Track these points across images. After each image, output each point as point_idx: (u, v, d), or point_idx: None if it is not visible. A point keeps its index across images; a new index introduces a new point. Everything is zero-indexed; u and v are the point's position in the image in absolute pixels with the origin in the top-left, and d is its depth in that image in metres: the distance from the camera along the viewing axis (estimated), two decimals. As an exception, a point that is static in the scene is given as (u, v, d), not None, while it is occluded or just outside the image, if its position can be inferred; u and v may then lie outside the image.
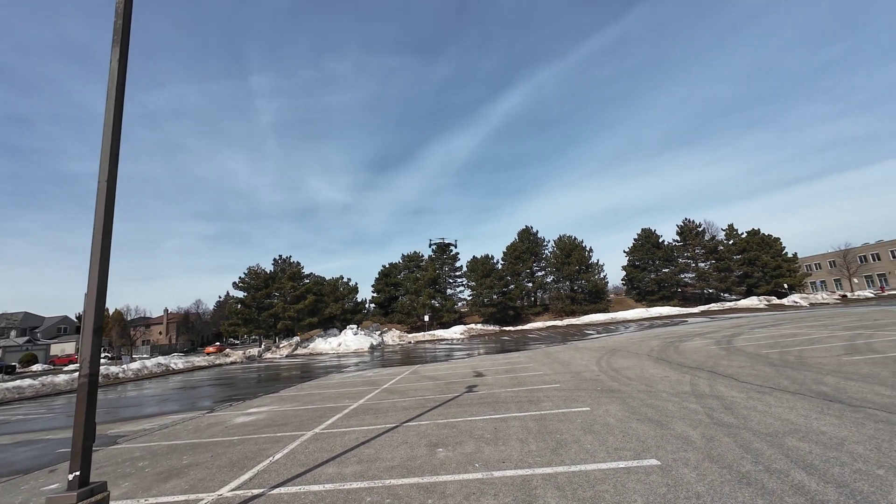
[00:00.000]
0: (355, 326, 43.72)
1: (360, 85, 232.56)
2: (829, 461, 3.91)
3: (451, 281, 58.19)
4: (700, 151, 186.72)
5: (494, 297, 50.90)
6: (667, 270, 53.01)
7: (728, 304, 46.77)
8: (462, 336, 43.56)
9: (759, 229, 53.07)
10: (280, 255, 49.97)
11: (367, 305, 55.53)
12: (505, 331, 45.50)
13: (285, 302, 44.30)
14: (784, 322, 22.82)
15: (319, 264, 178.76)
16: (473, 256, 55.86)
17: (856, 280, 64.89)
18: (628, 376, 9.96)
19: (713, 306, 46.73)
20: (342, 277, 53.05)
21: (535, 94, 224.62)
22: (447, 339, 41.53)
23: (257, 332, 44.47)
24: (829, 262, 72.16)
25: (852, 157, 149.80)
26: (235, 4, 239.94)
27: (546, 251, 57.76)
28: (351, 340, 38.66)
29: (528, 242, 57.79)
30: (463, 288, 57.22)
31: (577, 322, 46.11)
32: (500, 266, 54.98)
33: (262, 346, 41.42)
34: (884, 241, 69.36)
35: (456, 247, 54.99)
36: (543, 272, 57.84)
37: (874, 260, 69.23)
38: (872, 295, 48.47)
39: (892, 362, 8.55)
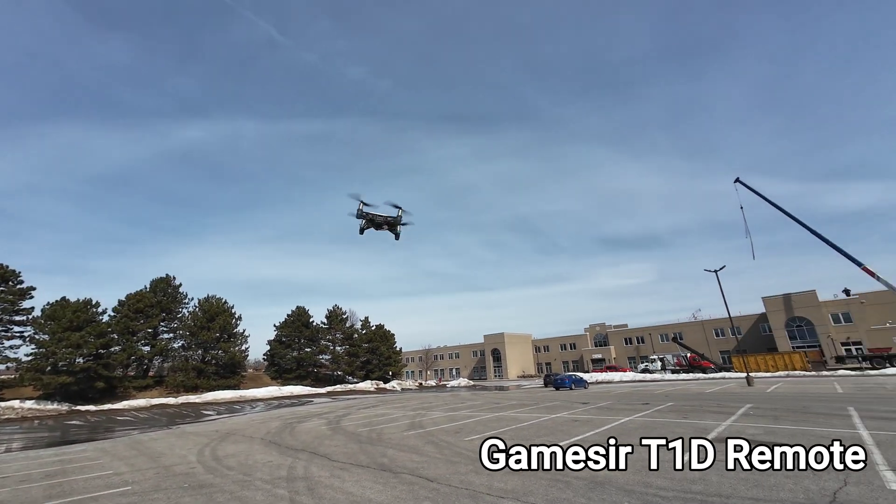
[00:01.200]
0: None
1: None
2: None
3: (2, 330, 37.05)
4: (351, 253, 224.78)
5: (80, 360, 36.08)
6: (309, 350, 56.11)
7: (349, 386, 53.75)
8: (-16, 421, 27.02)
9: (383, 325, 66.98)
10: None
11: None
12: (77, 412, 32.17)
13: None
14: (381, 404, 28.28)
15: None
16: (63, 298, 38.87)
17: (429, 372, 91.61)
18: (229, 465, 8.99)
19: (338, 387, 52.31)
20: None
21: (233, 132, 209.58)
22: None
23: None
24: (419, 356, 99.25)
25: (445, 286, 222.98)
26: None
27: (185, 310, 48.48)
28: None
29: (162, 295, 46.86)
30: (23, 342, 37.48)
31: (197, 400, 39.18)
32: (106, 318, 40.71)
33: None
34: (448, 346, 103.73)
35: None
36: (173, 335, 47.40)
37: (439, 359, 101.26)
38: (434, 384, 69.37)
39: (427, 435, 12.04)
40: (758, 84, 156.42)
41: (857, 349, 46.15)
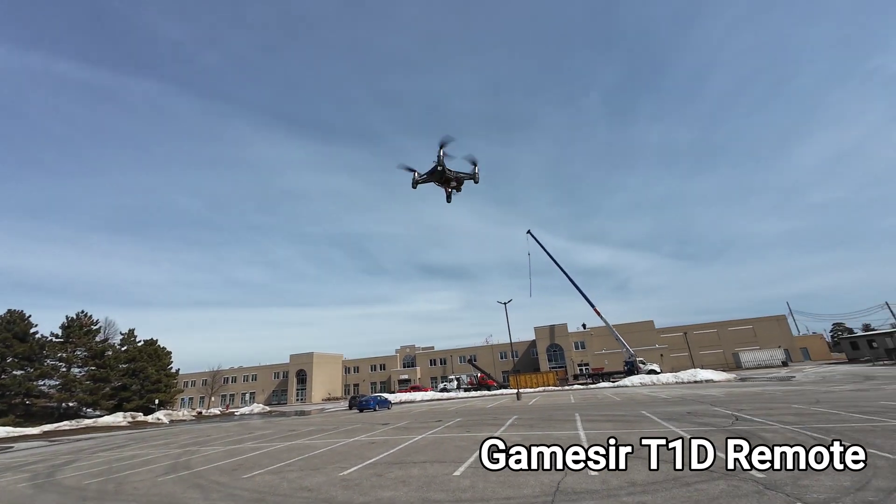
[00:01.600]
0: None
1: None
2: None
3: None
4: (130, 244, 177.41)
5: None
6: (20, 373, 39.52)
7: (86, 422, 40.16)
8: None
9: (156, 339, 53.53)
10: None
11: None
12: None
13: None
14: (134, 442, 22.07)
15: None
16: None
17: (213, 398, 77.40)
18: None
19: (64, 425, 38.36)
20: None
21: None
22: None
23: None
24: (203, 380, 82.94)
25: (253, 299, 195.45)
26: None
27: None
28: None
29: None
30: None
31: None
32: None
33: None
34: (243, 367, 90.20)
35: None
36: None
37: (231, 382, 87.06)
38: (219, 412, 58.82)
39: (193, 476, 9.85)
40: (548, 159, 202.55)
41: (585, 369, 62.42)
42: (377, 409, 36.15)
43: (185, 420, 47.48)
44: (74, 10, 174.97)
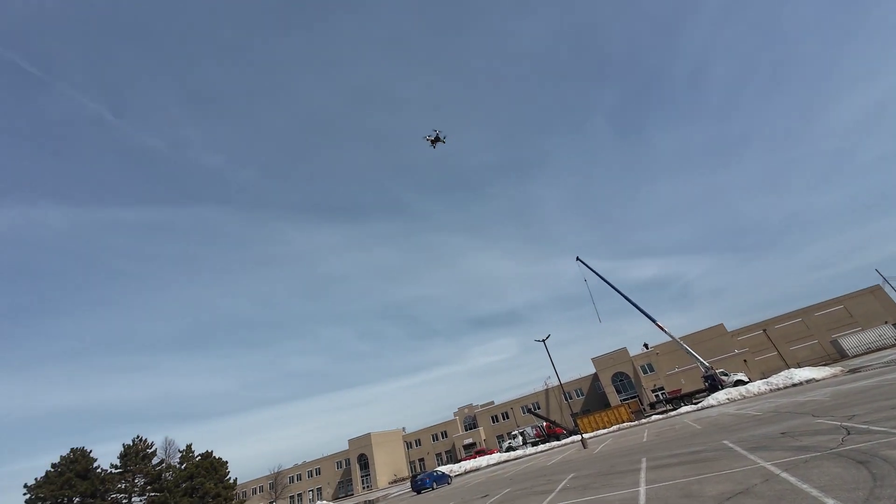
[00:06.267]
0: None
1: None
2: None
3: None
4: (199, 358, 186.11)
5: None
6: (85, 512, 39.54)
7: (149, 554, 38.80)
8: None
9: (211, 451, 52.86)
10: None
11: None
12: None
13: None
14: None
15: None
16: None
17: (279, 501, 74.43)
18: None
19: (129, 561, 37.18)
20: None
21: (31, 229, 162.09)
22: None
23: None
24: (260, 486, 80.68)
25: (311, 388, 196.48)
26: None
27: None
28: None
29: None
30: None
31: None
32: None
33: None
34: (306, 462, 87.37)
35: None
36: None
37: (296, 481, 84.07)
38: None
39: None
40: (570, 188, 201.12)
41: (661, 394, 55.22)
42: (434, 486, 32.71)
43: (247, 534, 45.14)
44: (126, 161, 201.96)
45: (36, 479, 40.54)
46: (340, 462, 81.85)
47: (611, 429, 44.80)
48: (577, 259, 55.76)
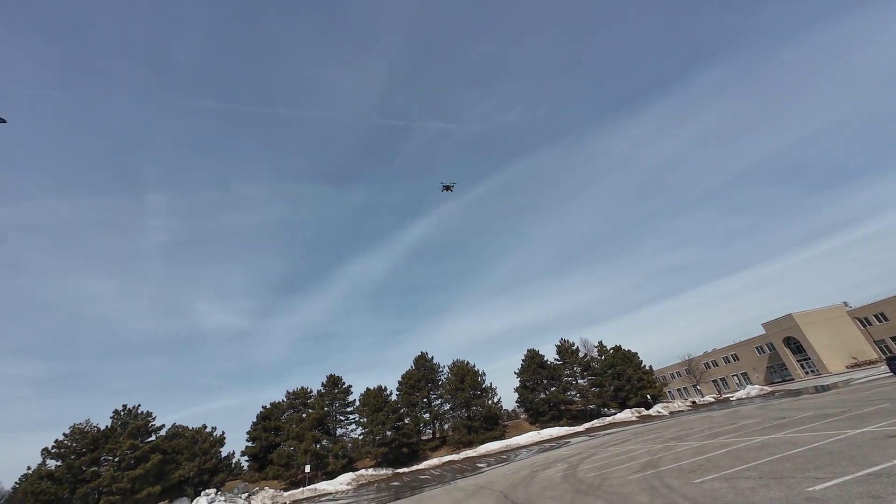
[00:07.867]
0: (213, 491, 35.67)
1: (270, 207, 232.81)
2: None
3: (341, 419, 52.91)
4: (573, 277, 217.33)
5: (388, 433, 47.12)
6: (553, 389, 56.11)
7: (607, 419, 50.01)
8: (348, 487, 38.09)
9: (620, 345, 61.00)
10: (124, 406, 40.95)
11: (232, 460, 46.42)
12: (398, 474, 41.22)
13: (118, 468, 34.99)
14: (636, 437, 25.25)
15: (193, 407, 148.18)
16: (367, 388, 52.66)
17: (701, 385, 75.82)
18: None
19: (595, 423, 49.45)
20: (205, 427, 44.84)
21: (441, 224, 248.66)
22: (330, 494, 35.84)
23: (68, 517, 33.23)
24: (675, 372, 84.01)
25: (685, 281, 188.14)
26: (136, 124, 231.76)
27: (441, 377, 57.46)
28: (202, 513, 30.99)
29: (423, 369, 57.20)
30: (355, 426, 52.14)
31: (474, 454, 44.20)
32: (394, 397, 52.43)
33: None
34: (717, 349, 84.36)
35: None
36: (441, 400, 56.46)
37: (713, 366, 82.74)
38: (713, 400, 56.68)
39: (654, 477, 10.23)
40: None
41: None
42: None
43: (682, 411, 49.20)
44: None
45: (516, 370, 60.99)
46: (761, 347, 73.01)
47: None
48: None
